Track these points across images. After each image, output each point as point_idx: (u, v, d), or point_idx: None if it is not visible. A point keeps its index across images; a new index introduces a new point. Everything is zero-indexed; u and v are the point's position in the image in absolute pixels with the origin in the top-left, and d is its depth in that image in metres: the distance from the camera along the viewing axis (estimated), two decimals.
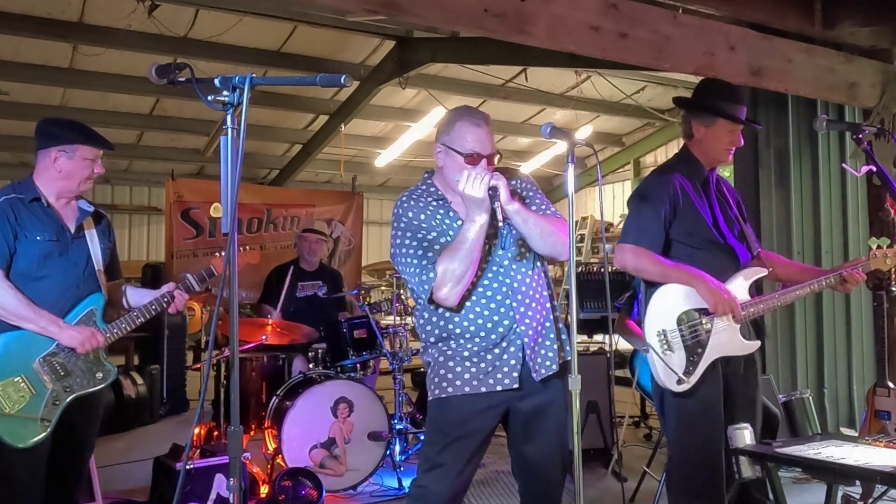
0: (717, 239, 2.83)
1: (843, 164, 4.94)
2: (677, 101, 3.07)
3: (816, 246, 5.10)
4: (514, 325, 2.41)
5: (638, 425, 5.90)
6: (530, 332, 2.42)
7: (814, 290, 2.90)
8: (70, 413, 2.68)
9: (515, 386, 2.39)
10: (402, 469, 4.39)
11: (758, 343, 2.83)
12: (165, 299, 2.87)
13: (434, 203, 2.49)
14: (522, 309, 2.42)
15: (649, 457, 4.26)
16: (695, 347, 2.71)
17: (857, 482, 2.09)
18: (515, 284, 2.43)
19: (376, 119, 10.59)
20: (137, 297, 2.94)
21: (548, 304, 2.50)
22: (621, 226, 16.56)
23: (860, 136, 2.75)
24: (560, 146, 10.92)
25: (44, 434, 2.62)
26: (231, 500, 1.82)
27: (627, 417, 5.57)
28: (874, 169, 2.72)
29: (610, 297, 2.94)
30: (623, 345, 4.28)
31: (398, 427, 4.50)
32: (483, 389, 2.39)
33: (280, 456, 4.10)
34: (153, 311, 2.87)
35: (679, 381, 2.68)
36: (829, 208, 5.11)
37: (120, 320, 2.79)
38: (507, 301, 2.41)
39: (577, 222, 13.20)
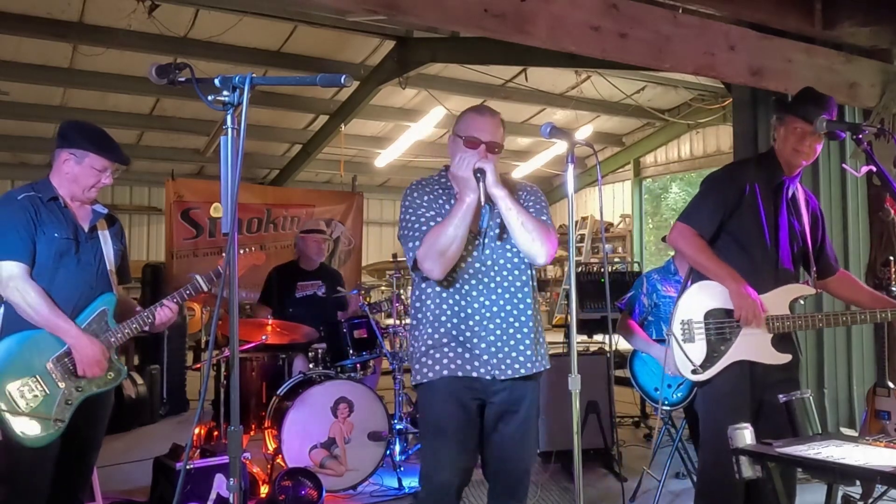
0: (767, 247, 2.83)
1: (843, 165, 4.93)
2: (776, 103, 3.06)
3: None
4: (485, 322, 2.48)
5: (638, 425, 5.89)
6: (498, 332, 2.49)
7: (873, 321, 2.89)
8: (78, 415, 2.69)
9: (489, 377, 2.47)
10: (402, 469, 4.38)
11: (788, 357, 2.83)
12: (175, 299, 2.89)
13: (439, 190, 2.60)
14: (495, 309, 2.49)
15: (650, 457, 4.26)
16: (718, 344, 2.79)
17: (857, 482, 2.08)
18: (493, 285, 2.51)
19: (376, 119, 10.60)
20: None
21: (529, 311, 2.54)
22: (621, 226, 16.52)
23: (860, 136, 2.74)
24: (560, 146, 10.92)
25: (56, 434, 2.63)
26: (231, 500, 1.82)
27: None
28: (874, 169, 2.71)
29: (610, 297, 2.95)
30: (623, 345, 4.29)
31: (398, 427, 4.50)
32: (460, 374, 2.47)
33: (280, 456, 4.10)
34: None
35: (694, 371, 2.79)
36: (829, 208, 5.09)
37: (130, 320, 2.82)
38: (482, 299, 2.49)
39: (577, 222, 13.19)
